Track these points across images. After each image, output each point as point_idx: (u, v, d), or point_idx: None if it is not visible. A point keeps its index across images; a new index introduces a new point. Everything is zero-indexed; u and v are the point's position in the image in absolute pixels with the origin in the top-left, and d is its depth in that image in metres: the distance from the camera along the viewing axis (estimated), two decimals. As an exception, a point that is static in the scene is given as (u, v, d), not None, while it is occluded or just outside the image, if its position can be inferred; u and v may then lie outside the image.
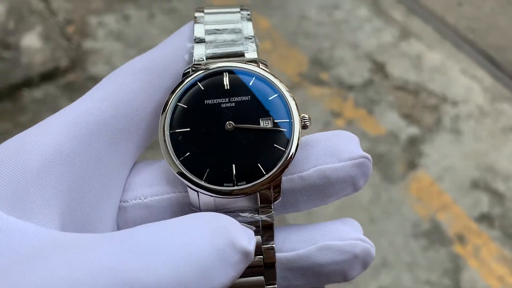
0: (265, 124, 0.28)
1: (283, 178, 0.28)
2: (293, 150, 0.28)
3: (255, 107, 0.28)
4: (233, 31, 0.31)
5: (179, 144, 0.27)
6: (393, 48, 1.93)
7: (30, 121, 1.64)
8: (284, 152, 0.27)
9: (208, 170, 0.27)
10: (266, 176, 0.27)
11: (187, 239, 0.21)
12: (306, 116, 0.29)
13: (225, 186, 0.27)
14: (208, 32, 0.31)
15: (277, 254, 0.28)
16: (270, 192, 0.27)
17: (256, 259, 0.27)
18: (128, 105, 0.28)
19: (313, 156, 0.28)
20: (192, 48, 0.30)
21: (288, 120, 0.28)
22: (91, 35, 1.92)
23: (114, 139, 0.27)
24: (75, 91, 1.74)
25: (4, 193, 0.23)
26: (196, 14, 0.32)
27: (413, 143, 1.64)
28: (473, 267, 1.38)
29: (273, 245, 0.28)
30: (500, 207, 1.50)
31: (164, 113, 0.28)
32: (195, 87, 0.28)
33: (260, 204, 0.28)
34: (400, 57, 1.89)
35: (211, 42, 0.30)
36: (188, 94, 0.28)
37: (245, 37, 0.31)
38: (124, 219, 0.28)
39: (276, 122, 0.28)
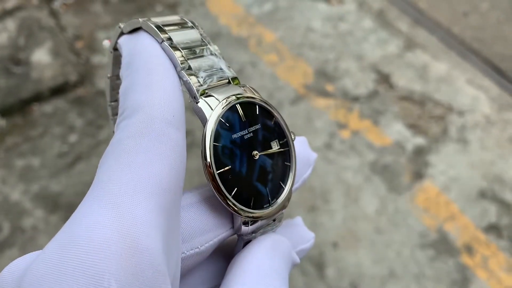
0: (276, 147, 0.32)
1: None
2: (294, 162, 0.32)
3: (266, 133, 0.32)
4: (207, 55, 0.32)
5: (226, 182, 0.29)
6: (398, 59, 1.93)
7: (40, 135, 1.67)
8: (291, 166, 0.32)
9: (252, 198, 0.30)
10: (287, 189, 0.32)
11: (281, 276, 0.28)
12: (292, 131, 0.33)
13: (265, 208, 0.30)
14: (187, 58, 0.31)
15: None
16: (288, 200, 0.32)
17: None
18: (182, 160, 0.27)
19: (300, 170, 0.34)
20: (186, 78, 0.30)
21: (285, 140, 0.32)
22: (99, 50, 1.95)
23: (178, 200, 0.27)
24: (84, 105, 1.77)
25: None
26: (163, 36, 0.31)
27: (419, 153, 1.63)
28: (482, 278, 1.37)
29: None
30: (508, 217, 1.49)
31: (207, 156, 0.29)
32: (222, 124, 0.30)
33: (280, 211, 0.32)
34: (405, 67, 1.90)
35: (197, 69, 0.31)
36: (218, 132, 0.29)
37: (216, 55, 0.33)
38: (181, 267, 0.28)
39: (281, 143, 0.32)
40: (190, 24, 0.33)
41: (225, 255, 0.32)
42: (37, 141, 1.66)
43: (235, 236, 0.31)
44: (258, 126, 0.31)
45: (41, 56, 1.89)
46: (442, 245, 1.43)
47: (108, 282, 0.19)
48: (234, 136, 0.30)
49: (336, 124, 1.71)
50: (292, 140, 0.33)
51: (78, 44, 1.97)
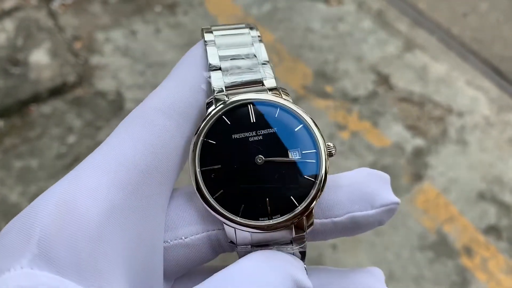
0: (293, 156, 0.28)
1: (317, 221, 0.29)
2: (323, 179, 0.28)
3: (282, 139, 0.28)
4: (248, 56, 0.31)
5: (211, 182, 0.27)
6: (398, 59, 1.93)
7: (38, 136, 1.66)
8: (314, 182, 0.28)
9: (243, 206, 0.27)
10: (299, 207, 0.27)
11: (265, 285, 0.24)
12: (331, 144, 0.29)
13: (261, 220, 0.27)
14: (222, 59, 0.30)
15: None
16: (303, 222, 0.28)
17: None
18: (167, 146, 0.28)
19: (347, 202, 0.29)
20: (209, 77, 0.30)
21: (315, 151, 0.28)
22: (98, 51, 1.94)
23: (158, 183, 0.27)
24: (82, 106, 1.76)
25: (66, 259, 0.22)
26: (206, 37, 0.31)
27: (419, 155, 1.63)
28: (481, 280, 1.37)
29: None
30: (507, 219, 1.49)
31: (194, 151, 0.28)
32: (221, 121, 0.28)
33: (295, 234, 0.28)
34: (404, 68, 1.90)
35: (227, 69, 0.30)
36: (215, 129, 0.28)
37: (261, 62, 0.31)
38: (166, 258, 0.28)
39: (304, 153, 0.28)
40: (246, 30, 0.32)
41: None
42: (35, 142, 1.65)
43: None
44: (272, 130, 0.28)
45: (39, 56, 1.89)
46: (441, 247, 1.43)
47: (34, 229, 0.22)
48: (236, 136, 0.28)
49: (336, 125, 1.71)
50: (328, 153, 0.29)
51: (77, 44, 1.97)
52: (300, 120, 0.29)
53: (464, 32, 2.04)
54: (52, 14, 2.08)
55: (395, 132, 1.69)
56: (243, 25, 0.33)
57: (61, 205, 0.23)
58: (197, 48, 0.31)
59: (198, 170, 0.27)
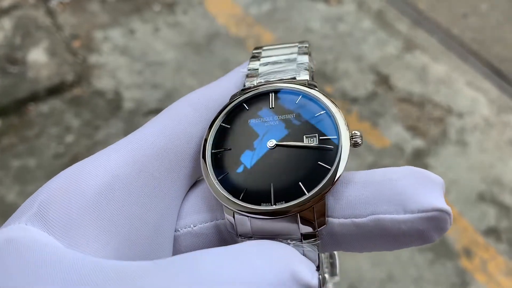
0: (309, 141, 0.26)
1: (335, 221, 0.25)
2: (340, 168, 0.25)
3: (300, 125, 0.27)
4: (287, 60, 0.30)
5: (219, 164, 0.27)
6: (398, 60, 1.92)
7: (36, 135, 1.65)
8: (329, 170, 0.25)
9: (245, 189, 0.25)
10: (308, 195, 0.24)
11: (251, 272, 0.20)
12: (358, 133, 0.26)
13: (262, 205, 0.25)
14: (262, 64, 0.30)
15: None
16: (310, 214, 0.24)
17: None
18: (187, 135, 0.28)
19: (373, 200, 0.24)
20: (243, 78, 0.30)
21: (335, 137, 0.26)
22: (96, 50, 1.94)
23: (172, 168, 0.27)
24: (80, 105, 1.75)
25: (58, 220, 0.23)
26: (254, 52, 0.32)
27: (418, 155, 1.63)
28: (481, 281, 1.37)
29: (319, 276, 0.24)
30: (507, 220, 1.48)
31: (208, 133, 0.28)
32: (240, 107, 0.28)
33: (303, 229, 0.25)
34: (404, 69, 1.89)
35: (263, 72, 0.30)
36: (232, 114, 0.28)
37: (298, 63, 0.30)
38: (176, 248, 0.28)
39: (321, 139, 0.26)
40: (295, 43, 0.32)
41: None
42: (33, 141, 1.65)
43: None
44: (290, 116, 0.27)
45: (37, 55, 1.88)
46: (441, 248, 1.42)
47: (41, 193, 0.24)
48: (252, 121, 0.28)
49: (335, 125, 1.70)
50: (353, 142, 0.26)
51: (75, 43, 1.96)
52: (322, 106, 0.27)
53: (464, 32, 2.04)
54: (50, 13, 2.07)
55: (394, 132, 1.69)
56: (295, 42, 0.32)
57: (69, 174, 0.25)
58: (245, 63, 0.32)
59: (208, 152, 0.27)
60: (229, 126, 0.28)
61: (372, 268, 1.37)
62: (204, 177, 0.27)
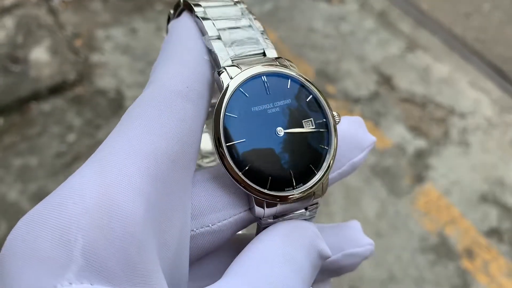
0: (309, 126, 0.29)
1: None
2: (334, 147, 0.29)
3: (297, 110, 0.29)
4: (244, 27, 0.31)
5: (238, 157, 0.27)
6: (400, 60, 1.92)
7: (38, 134, 1.65)
8: (328, 150, 0.29)
9: (270, 178, 0.27)
10: (319, 175, 0.28)
11: (294, 263, 0.25)
12: (335, 113, 0.30)
13: (286, 191, 0.27)
14: (221, 30, 0.30)
15: None
16: (322, 188, 0.29)
17: None
18: (190, 131, 0.27)
19: (347, 151, 0.31)
20: (211, 47, 0.29)
21: (325, 120, 0.29)
22: (98, 49, 1.93)
23: (184, 166, 0.26)
24: (82, 104, 1.75)
25: (123, 272, 0.20)
26: (197, 10, 0.31)
27: (420, 156, 1.62)
28: (482, 282, 1.36)
29: None
30: (509, 221, 1.48)
31: (217, 126, 0.27)
32: (240, 94, 0.28)
33: (313, 201, 0.29)
34: (407, 69, 1.89)
35: (228, 41, 0.30)
36: (234, 103, 0.28)
37: (260, 31, 0.31)
38: (190, 246, 0.27)
39: (317, 123, 0.29)
40: (232, 2, 0.32)
41: (239, 246, 0.29)
42: (35, 140, 1.64)
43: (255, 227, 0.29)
44: (287, 101, 0.28)
45: (39, 54, 1.88)
46: (443, 249, 1.42)
47: (75, 236, 0.19)
48: (255, 108, 0.28)
49: (337, 125, 1.70)
50: (335, 122, 0.29)
51: (77, 42, 1.96)
52: (309, 90, 0.29)
53: (466, 32, 2.03)
54: (52, 11, 2.07)
55: (396, 133, 1.68)
56: (228, 0, 0.33)
57: (97, 202, 0.20)
58: (186, 20, 0.31)
59: (224, 146, 0.27)
60: (235, 116, 0.28)
61: (373, 269, 1.37)
62: (230, 174, 0.27)
